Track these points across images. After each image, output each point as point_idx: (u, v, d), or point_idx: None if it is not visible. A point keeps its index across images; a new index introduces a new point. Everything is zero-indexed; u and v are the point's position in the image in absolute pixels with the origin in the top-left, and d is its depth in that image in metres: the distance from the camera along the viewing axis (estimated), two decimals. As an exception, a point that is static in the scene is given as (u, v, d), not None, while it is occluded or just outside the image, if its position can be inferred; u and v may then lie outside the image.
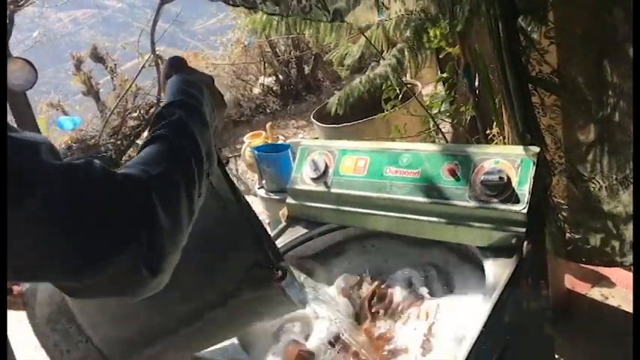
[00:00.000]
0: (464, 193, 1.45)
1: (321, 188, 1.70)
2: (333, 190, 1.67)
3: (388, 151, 1.63)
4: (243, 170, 5.16)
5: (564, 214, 2.34)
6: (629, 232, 1.97)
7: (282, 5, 1.83)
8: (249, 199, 4.54)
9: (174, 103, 0.90)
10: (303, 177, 1.75)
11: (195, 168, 0.81)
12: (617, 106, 1.82)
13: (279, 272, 0.95)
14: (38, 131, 5.51)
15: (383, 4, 2.15)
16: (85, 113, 6.78)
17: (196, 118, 0.89)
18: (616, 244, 2.05)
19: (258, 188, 3.37)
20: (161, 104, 0.91)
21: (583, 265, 2.57)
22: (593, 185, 2.09)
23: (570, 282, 2.61)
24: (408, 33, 2.20)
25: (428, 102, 2.74)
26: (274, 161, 3.13)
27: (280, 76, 6.84)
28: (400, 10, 2.24)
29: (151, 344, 0.96)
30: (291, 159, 3.07)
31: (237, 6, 2.02)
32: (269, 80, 6.88)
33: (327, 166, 1.71)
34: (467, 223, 1.44)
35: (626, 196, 1.94)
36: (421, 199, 1.50)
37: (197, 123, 0.88)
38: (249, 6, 1.94)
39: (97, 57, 6.51)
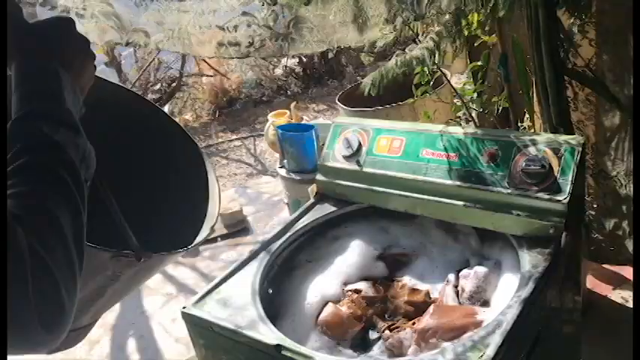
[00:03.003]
0: (503, 180, 1.41)
1: (354, 167, 1.66)
2: (365, 170, 1.64)
3: (425, 133, 1.59)
4: (261, 150, 5.13)
5: (592, 212, 2.30)
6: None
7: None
8: (266, 179, 4.53)
9: (30, 115, 0.77)
10: (335, 154, 1.72)
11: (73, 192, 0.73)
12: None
13: (139, 256, 0.99)
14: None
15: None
16: (107, 85, 6.78)
17: (60, 123, 0.77)
18: (630, 242, 2.02)
19: (279, 167, 3.34)
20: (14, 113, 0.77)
21: (605, 266, 2.54)
22: (615, 183, 2.05)
23: (591, 283, 2.57)
24: (446, 17, 2.14)
25: (459, 90, 2.69)
26: (298, 141, 3.10)
27: (304, 59, 6.78)
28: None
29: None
30: (315, 140, 3.04)
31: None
32: (292, 62, 6.83)
33: (360, 145, 1.67)
34: (504, 210, 1.40)
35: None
36: (458, 183, 1.47)
37: (62, 130, 0.77)
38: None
39: (120, 28, 6.48)
